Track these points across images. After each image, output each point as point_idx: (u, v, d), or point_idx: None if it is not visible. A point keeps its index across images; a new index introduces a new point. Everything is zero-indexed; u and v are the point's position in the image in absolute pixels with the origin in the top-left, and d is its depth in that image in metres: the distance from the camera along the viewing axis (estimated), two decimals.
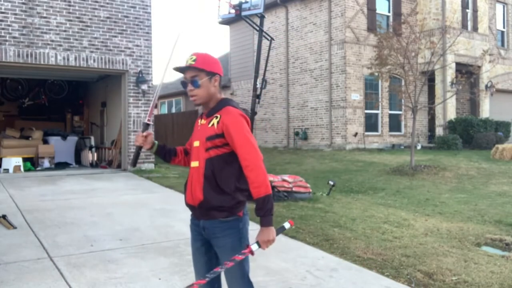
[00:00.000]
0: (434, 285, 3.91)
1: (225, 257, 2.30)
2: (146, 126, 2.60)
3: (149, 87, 11.63)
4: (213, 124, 2.31)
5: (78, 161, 13.28)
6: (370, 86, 16.74)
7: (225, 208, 2.28)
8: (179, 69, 2.39)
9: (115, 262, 4.29)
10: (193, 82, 2.32)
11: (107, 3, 11.09)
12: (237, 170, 2.31)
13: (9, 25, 9.94)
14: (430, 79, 14.32)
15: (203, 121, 2.39)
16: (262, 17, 8.35)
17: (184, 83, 2.37)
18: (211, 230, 2.33)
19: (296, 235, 5.33)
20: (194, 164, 2.35)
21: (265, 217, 2.24)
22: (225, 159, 2.30)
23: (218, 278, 2.47)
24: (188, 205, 2.40)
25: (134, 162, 2.74)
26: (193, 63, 2.31)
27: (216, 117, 2.31)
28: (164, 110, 27.11)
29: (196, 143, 2.38)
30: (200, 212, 2.34)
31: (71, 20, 10.62)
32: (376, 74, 13.35)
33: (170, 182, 9.37)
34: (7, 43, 9.89)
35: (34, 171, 11.18)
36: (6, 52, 9.86)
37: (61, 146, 12.60)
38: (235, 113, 2.29)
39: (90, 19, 10.85)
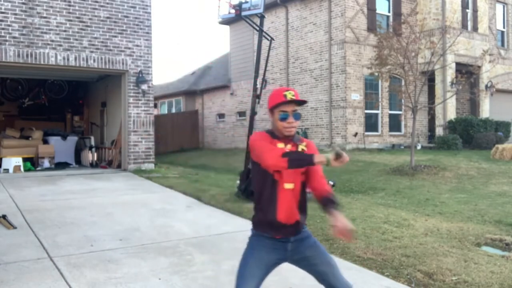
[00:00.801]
0: (434, 285, 3.91)
1: (322, 252, 2.64)
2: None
3: (149, 87, 11.63)
4: (302, 149, 2.60)
5: (78, 161, 13.29)
6: (370, 86, 16.73)
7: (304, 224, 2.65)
8: (296, 102, 2.57)
9: (115, 262, 4.29)
10: (296, 115, 2.56)
11: (107, 3, 11.09)
12: None
13: (9, 25, 9.94)
14: (430, 79, 14.31)
15: (290, 146, 2.59)
16: (262, 17, 8.35)
17: (286, 115, 2.54)
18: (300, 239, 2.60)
19: None
20: (289, 186, 2.54)
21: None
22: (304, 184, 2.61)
23: None
24: (279, 223, 2.54)
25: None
26: (294, 98, 2.53)
27: (302, 143, 2.63)
28: (164, 110, 27.12)
29: None
30: (295, 230, 2.57)
31: (71, 20, 10.62)
32: (376, 74, 13.35)
33: (170, 182, 9.37)
34: (7, 43, 9.90)
35: (34, 171, 11.19)
36: (6, 52, 9.86)
37: (61, 146, 12.61)
38: (313, 143, 2.71)
39: (90, 19, 10.86)
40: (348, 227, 2.34)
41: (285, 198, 2.53)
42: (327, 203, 2.48)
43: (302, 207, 2.58)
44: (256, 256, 2.56)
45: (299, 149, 2.59)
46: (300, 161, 2.42)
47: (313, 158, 2.35)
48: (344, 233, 2.35)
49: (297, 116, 2.58)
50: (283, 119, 2.55)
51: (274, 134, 2.61)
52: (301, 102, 2.58)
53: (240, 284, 2.50)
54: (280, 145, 2.57)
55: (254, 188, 2.63)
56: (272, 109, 2.60)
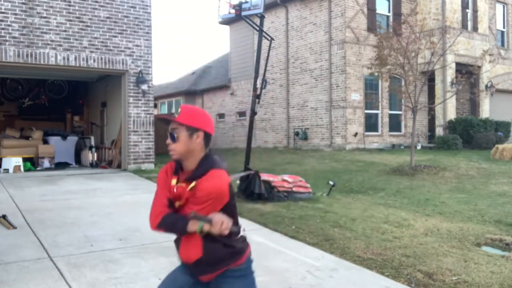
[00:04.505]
0: (434, 285, 3.91)
1: None
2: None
3: (149, 87, 11.63)
4: (192, 189, 2.15)
5: (78, 161, 13.29)
6: (370, 86, 16.74)
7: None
8: (163, 120, 2.34)
9: (115, 262, 4.29)
10: (171, 136, 2.21)
11: (107, 3, 11.09)
12: None
13: (9, 25, 9.94)
14: (430, 79, 14.31)
15: (182, 184, 2.20)
16: (262, 17, 8.35)
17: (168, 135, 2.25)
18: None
19: (296, 235, 5.33)
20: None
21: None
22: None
23: None
24: (183, 263, 2.29)
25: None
26: (176, 116, 2.22)
27: (198, 181, 2.14)
28: (164, 110, 27.13)
29: (178, 203, 2.22)
30: (200, 269, 2.24)
31: (71, 20, 10.62)
32: (376, 74, 13.35)
33: None
34: (7, 43, 9.89)
35: (34, 171, 11.19)
36: (6, 52, 9.86)
37: (61, 146, 12.61)
38: (217, 174, 2.15)
39: (90, 19, 10.85)
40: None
41: (185, 236, 2.18)
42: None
43: (213, 245, 2.15)
44: (172, 275, 2.35)
45: (189, 187, 2.16)
46: (171, 229, 2.13)
47: (186, 227, 2.05)
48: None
49: (173, 138, 2.20)
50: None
51: (178, 165, 2.27)
52: (167, 121, 2.25)
53: None
54: (174, 181, 2.23)
55: None
56: None
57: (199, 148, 2.21)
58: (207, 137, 2.25)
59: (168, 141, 2.22)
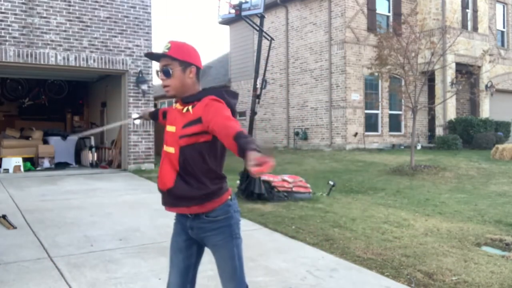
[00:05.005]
0: (434, 285, 3.91)
1: (221, 257, 2.26)
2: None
3: (149, 87, 11.63)
4: (188, 110, 2.18)
5: (78, 161, 13.28)
6: (370, 86, 16.74)
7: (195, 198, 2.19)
8: (150, 56, 2.30)
9: (115, 262, 4.29)
10: (164, 71, 2.19)
11: (107, 3, 11.09)
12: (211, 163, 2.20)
13: (9, 25, 9.94)
14: (430, 79, 14.32)
15: (178, 106, 2.26)
16: (262, 17, 8.35)
17: (157, 72, 2.25)
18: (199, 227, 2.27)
19: (296, 235, 5.33)
20: (168, 149, 2.23)
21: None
22: (198, 149, 2.15)
23: (193, 279, 2.42)
24: (159, 190, 2.29)
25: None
26: (166, 51, 2.18)
27: (193, 104, 2.18)
28: None
29: (172, 128, 2.25)
30: (170, 201, 2.24)
31: (71, 20, 10.62)
32: (376, 74, 13.36)
33: None
34: (7, 43, 9.90)
35: (34, 171, 11.19)
36: (6, 52, 9.87)
37: (61, 146, 12.60)
38: (214, 99, 2.13)
39: (90, 19, 10.86)
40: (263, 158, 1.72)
41: (164, 162, 2.24)
42: (238, 143, 1.88)
43: (189, 177, 2.15)
44: (172, 242, 2.41)
45: (184, 110, 2.19)
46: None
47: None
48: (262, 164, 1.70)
49: (167, 73, 2.18)
50: (158, 76, 2.26)
51: None
52: (156, 56, 2.22)
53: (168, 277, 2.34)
54: (175, 105, 2.31)
55: None
56: None
57: (192, 83, 2.23)
58: (199, 72, 2.27)
59: (162, 76, 2.19)
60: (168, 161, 2.22)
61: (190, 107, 2.18)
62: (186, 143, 2.15)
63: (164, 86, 2.22)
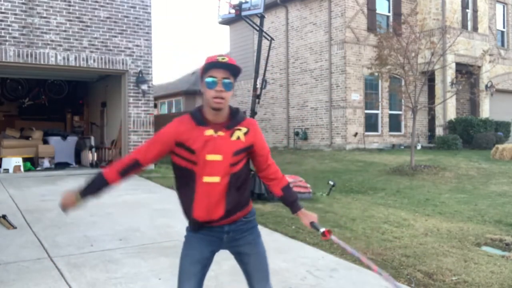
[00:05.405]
0: (434, 285, 3.91)
1: (258, 253, 2.41)
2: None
3: (149, 87, 11.63)
4: (238, 137, 2.19)
5: (78, 161, 13.28)
6: (370, 86, 16.74)
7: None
8: (215, 63, 2.12)
9: (115, 262, 4.29)
10: (227, 84, 2.11)
11: (107, 3, 11.08)
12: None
13: (9, 25, 9.94)
14: (430, 79, 14.32)
15: (221, 133, 2.16)
16: (262, 17, 8.34)
17: (213, 83, 2.10)
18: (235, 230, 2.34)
19: (296, 235, 5.33)
20: (212, 179, 2.16)
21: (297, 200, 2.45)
22: (245, 170, 2.31)
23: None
24: (196, 221, 2.23)
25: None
26: (227, 60, 2.11)
27: (240, 129, 2.20)
28: (164, 110, 27.11)
29: (217, 157, 2.15)
30: (222, 223, 2.28)
31: (71, 20, 10.62)
32: (376, 74, 13.36)
33: (170, 182, 9.36)
34: (7, 43, 9.89)
35: (34, 171, 11.18)
36: (6, 52, 9.86)
37: (61, 146, 12.59)
38: (256, 124, 2.34)
39: (90, 19, 10.85)
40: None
41: (199, 193, 2.17)
42: (288, 198, 2.44)
43: (241, 190, 2.25)
44: (191, 253, 2.32)
45: (234, 137, 2.17)
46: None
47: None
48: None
49: (228, 86, 2.11)
50: (211, 86, 2.09)
51: (200, 117, 2.18)
52: (234, 68, 2.12)
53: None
54: (209, 132, 2.14)
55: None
56: (202, 78, 2.15)
57: None
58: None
59: (221, 88, 2.10)
60: (207, 193, 2.17)
61: (241, 134, 2.20)
62: (240, 167, 2.24)
63: (220, 98, 2.11)
